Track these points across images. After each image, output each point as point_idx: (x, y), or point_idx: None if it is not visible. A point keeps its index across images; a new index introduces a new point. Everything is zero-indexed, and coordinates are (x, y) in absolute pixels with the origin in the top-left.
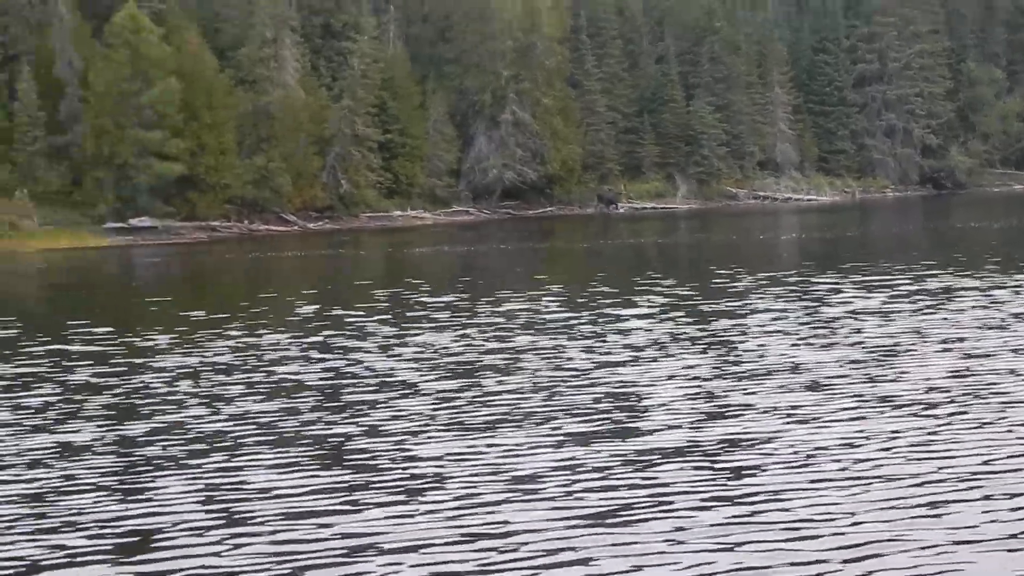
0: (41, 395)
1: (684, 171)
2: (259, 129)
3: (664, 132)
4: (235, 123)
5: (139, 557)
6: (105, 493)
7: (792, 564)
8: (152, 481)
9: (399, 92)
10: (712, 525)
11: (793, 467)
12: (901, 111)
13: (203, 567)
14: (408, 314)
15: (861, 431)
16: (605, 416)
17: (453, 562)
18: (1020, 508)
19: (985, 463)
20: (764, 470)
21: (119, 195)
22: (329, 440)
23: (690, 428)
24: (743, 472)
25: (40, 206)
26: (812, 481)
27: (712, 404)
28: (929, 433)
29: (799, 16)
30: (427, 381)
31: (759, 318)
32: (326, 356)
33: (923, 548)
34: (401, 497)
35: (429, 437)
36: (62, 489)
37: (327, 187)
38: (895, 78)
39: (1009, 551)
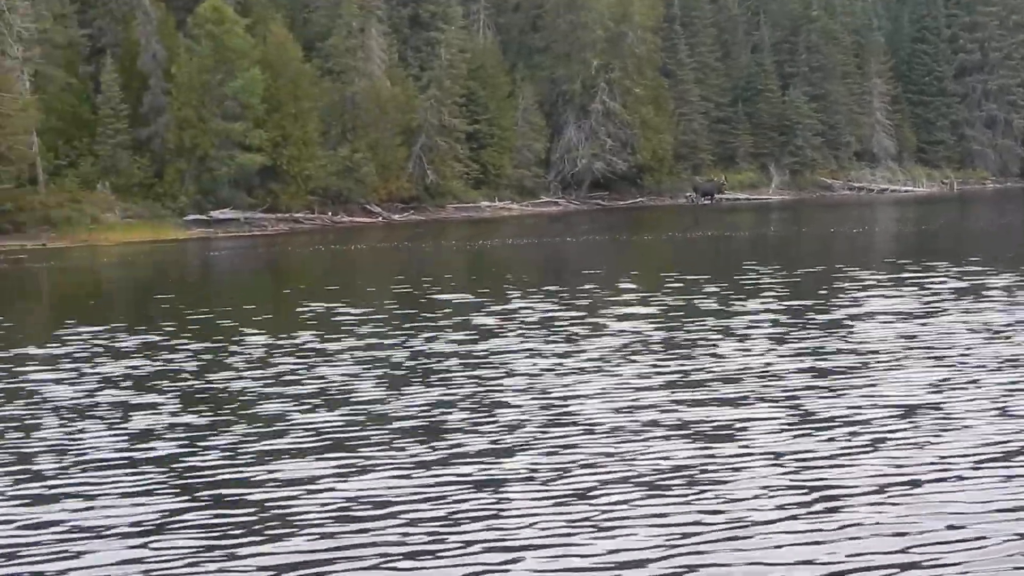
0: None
1: (778, 161)
2: (344, 120)
3: (758, 122)
4: (320, 114)
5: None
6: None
7: None
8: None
9: (488, 82)
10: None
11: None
12: (1002, 101)
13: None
14: (471, 310)
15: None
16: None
17: None
18: None
19: None
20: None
21: (201, 187)
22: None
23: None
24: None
25: (122, 199)
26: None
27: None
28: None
29: (899, 5)
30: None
31: (855, 317)
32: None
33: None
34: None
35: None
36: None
37: (413, 178)
38: (997, 68)
39: None
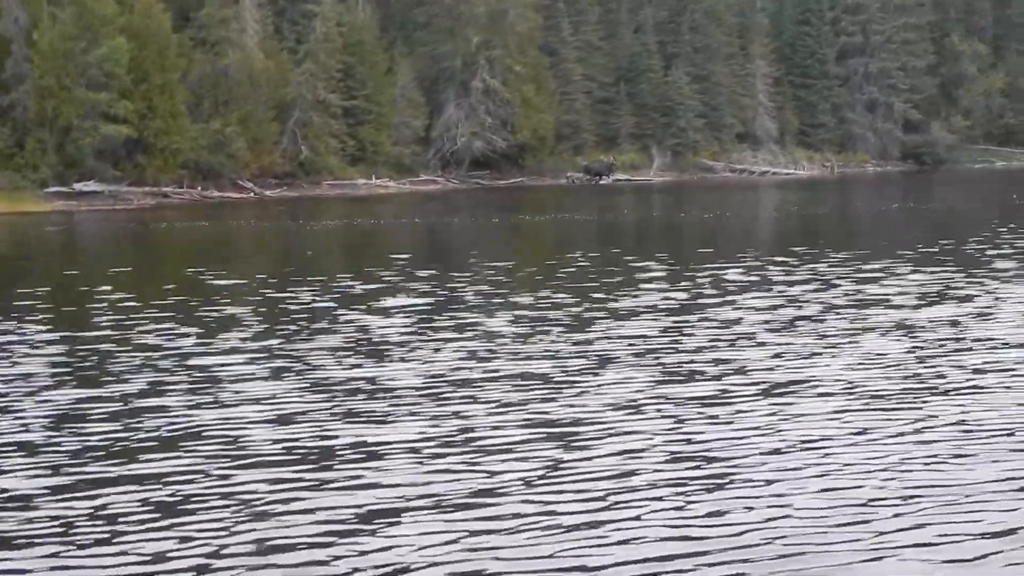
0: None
1: (660, 143)
2: (217, 92)
3: (641, 103)
4: (192, 86)
5: None
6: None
7: None
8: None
9: (366, 57)
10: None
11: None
12: (883, 85)
13: None
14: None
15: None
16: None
17: None
18: None
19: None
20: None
21: (64, 158)
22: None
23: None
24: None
25: None
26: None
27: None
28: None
29: None
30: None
31: (723, 307)
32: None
33: None
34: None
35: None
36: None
37: (287, 153)
38: (878, 51)
39: None
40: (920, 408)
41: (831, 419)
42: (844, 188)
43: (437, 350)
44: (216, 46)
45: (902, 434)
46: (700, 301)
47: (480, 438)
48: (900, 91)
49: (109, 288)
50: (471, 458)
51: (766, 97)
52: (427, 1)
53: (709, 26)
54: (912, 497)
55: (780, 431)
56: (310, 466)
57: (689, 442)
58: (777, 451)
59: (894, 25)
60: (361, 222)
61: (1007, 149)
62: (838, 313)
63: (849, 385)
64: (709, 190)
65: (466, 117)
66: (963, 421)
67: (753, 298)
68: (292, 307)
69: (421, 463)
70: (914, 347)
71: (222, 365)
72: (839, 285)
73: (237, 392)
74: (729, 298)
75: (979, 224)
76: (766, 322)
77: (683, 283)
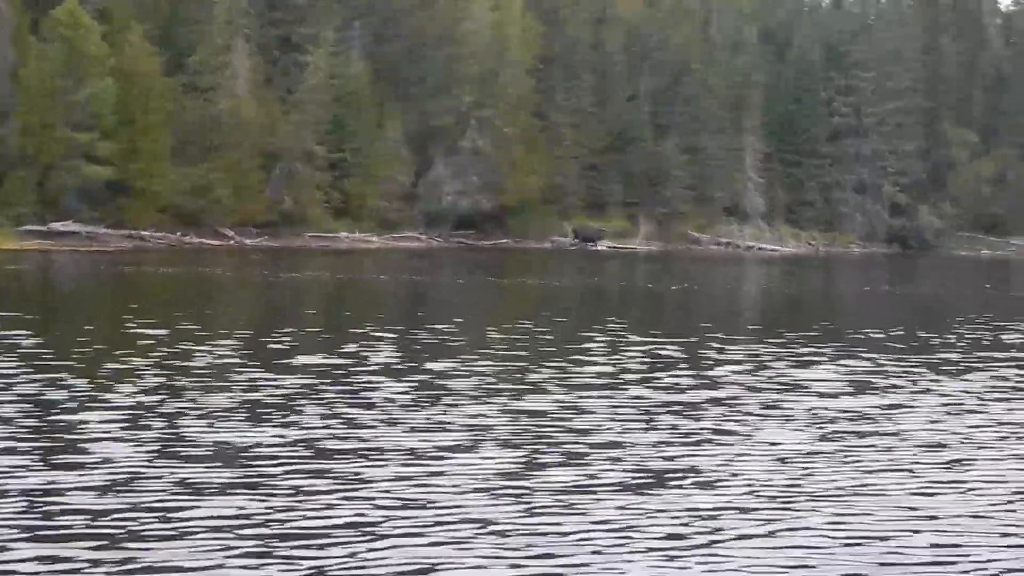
0: None
1: (647, 211)
2: (205, 138)
3: (630, 171)
4: (181, 130)
5: None
6: None
7: None
8: None
9: (357, 110)
10: None
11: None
12: (873, 167)
13: None
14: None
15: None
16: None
17: None
18: None
19: None
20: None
21: (43, 197)
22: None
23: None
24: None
25: None
26: None
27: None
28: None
29: (778, 64)
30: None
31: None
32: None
33: None
34: None
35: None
36: None
37: (270, 202)
38: (870, 133)
39: None
40: (795, 506)
41: (715, 512)
42: (825, 268)
43: (288, 420)
44: (207, 92)
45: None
46: (608, 379)
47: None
48: (889, 174)
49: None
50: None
51: (755, 172)
52: (421, 58)
53: (703, 98)
54: None
55: (655, 526)
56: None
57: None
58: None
59: (886, 108)
60: (333, 277)
61: (992, 238)
62: (749, 398)
63: (736, 476)
64: (692, 262)
65: (453, 176)
66: (836, 521)
67: (669, 377)
68: (192, 364)
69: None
70: (814, 438)
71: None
72: (769, 368)
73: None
74: (643, 376)
75: (942, 312)
76: (667, 404)
77: (614, 356)
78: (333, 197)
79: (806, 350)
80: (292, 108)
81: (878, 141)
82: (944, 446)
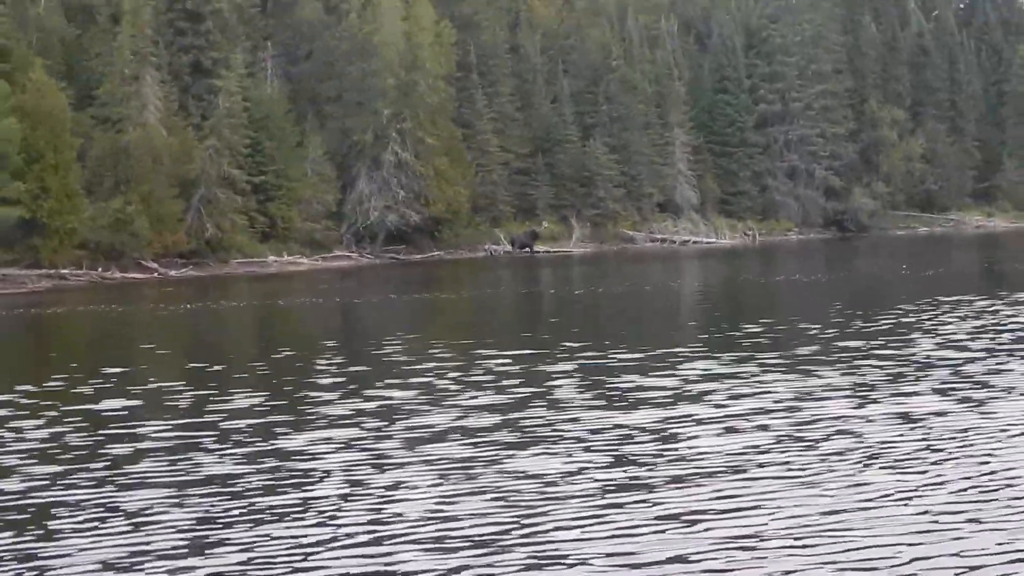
0: None
1: (579, 213)
2: (117, 171)
3: (559, 173)
4: (92, 164)
5: None
6: None
7: None
8: None
9: (275, 132)
10: None
11: None
12: (803, 152)
13: None
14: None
15: None
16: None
17: None
18: None
19: None
20: None
21: None
22: None
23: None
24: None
25: None
26: None
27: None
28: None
29: (699, 55)
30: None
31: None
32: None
33: None
34: None
35: None
36: None
37: (192, 231)
38: (797, 118)
39: None
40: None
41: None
42: (757, 257)
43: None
44: (117, 124)
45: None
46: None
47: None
48: (821, 158)
49: None
50: None
51: (685, 166)
52: (336, 75)
53: (626, 95)
54: None
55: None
56: None
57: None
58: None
59: (812, 92)
60: (258, 303)
61: (928, 215)
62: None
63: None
64: (627, 261)
65: (379, 191)
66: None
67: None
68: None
69: None
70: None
71: None
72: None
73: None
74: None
75: (847, 298)
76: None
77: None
78: (258, 221)
79: (680, 350)
80: (207, 134)
81: (806, 125)
82: None
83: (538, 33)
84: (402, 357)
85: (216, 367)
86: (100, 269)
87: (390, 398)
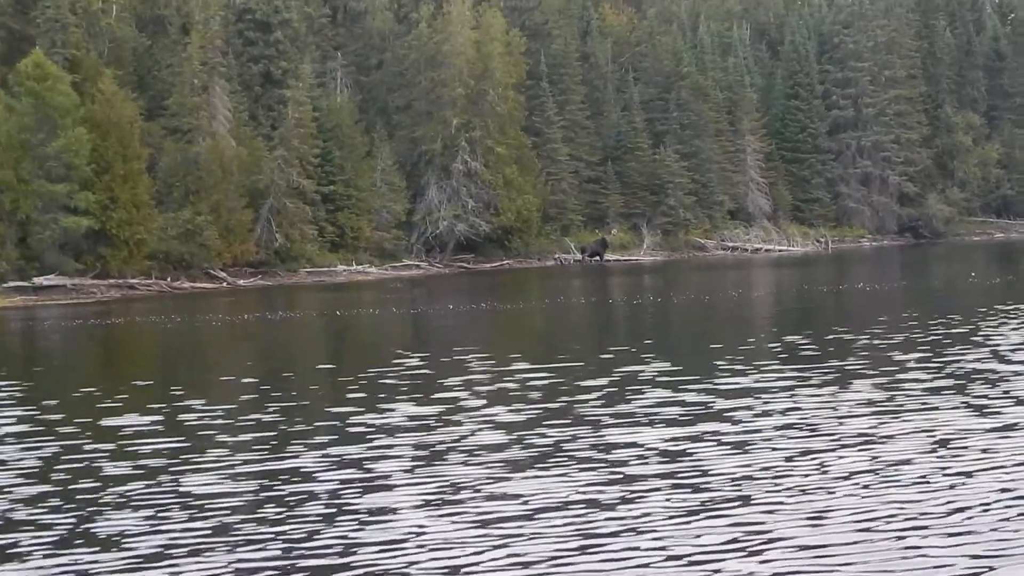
0: None
1: (650, 221)
2: (187, 181)
3: (629, 181)
4: (162, 175)
5: None
6: None
7: None
8: None
9: (344, 142)
10: None
11: None
12: (877, 158)
13: None
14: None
15: None
16: None
17: None
18: None
19: None
20: None
21: (23, 252)
22: None
23: None
24: None
25: None
26: None
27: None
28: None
29: (771, 61)
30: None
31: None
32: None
33: None
34: None
35: None
36: None
37: (261, 241)
38: (870, 124)
39: None
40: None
41: None
42: (829, 265)
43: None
44: (187, 134)
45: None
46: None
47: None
48: (895, 164)
49: None
50: None
51: (757, 173)
52: (406, 84)
53: (697, 102)
54: None
55: None
56: None
57: None
58: None
59: (885, 98)
60: (320, 314)
61: (1005, 220)
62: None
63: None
64: (698, 269)
65: (448, 200)
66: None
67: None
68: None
69: None
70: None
71: None
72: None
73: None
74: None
75: (913, 307)
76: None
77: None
78: (327, 231)
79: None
80: (276, 144)
81: (880, 132)
82: None
83: (609, 41)
84: (471, 368)
85: (273, 379)
86: (169, 279)
87: (458, 409)
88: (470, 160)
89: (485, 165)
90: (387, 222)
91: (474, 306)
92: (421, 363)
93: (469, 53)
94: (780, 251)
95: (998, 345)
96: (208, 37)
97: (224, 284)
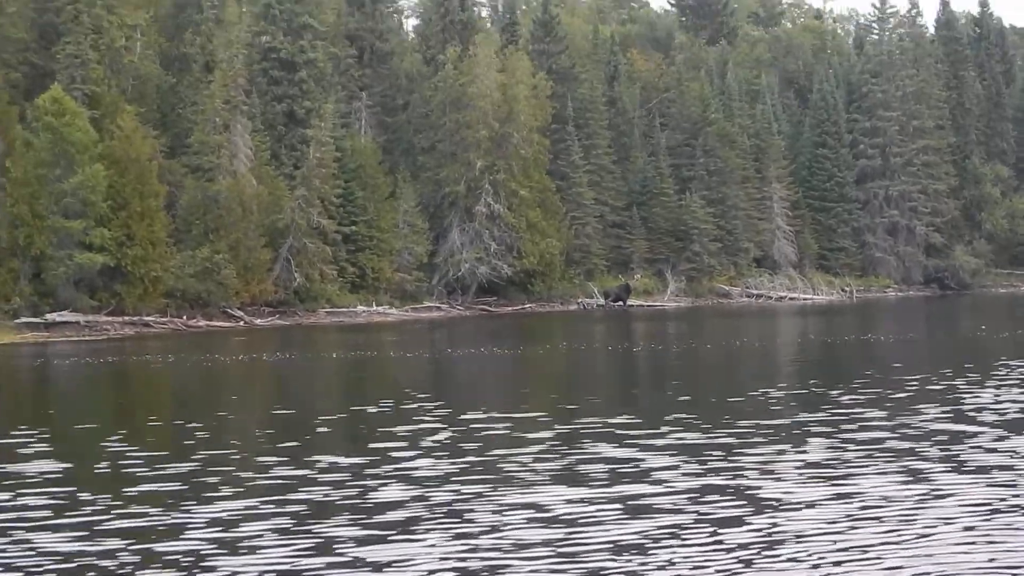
0: None
1: (674, 267)
2: (206, 219)
3: (654, 227)
4: (182, 212)
5: None
6: None
7: None
8: None
9: (367, 182)
10: None
11: None
12: (904, 208)
13: None
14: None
15: None
16: None
17: None
18: None
19: None
20: None
21: (37, 288)
22: None
23: None
24: None
25: None
26: None
27: None
28: None
29: (799, 109)
30: None
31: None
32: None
33: None
34: None
35: None
36: None
37: (280, 280)
38: (898, 174)
39: None
40: None
41: None
42: (853, 314)
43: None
44: (208, 172)
45: None
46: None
47: None
48: (922, 215)
49: None
50: None
51: (783, 221)
52: (431, 126)
53: (724, 149)
54: None
55: None
56: None
57: None
58: None
59: (913, 148)
60: (337, 356)
61: None
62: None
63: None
64: (719, 316)
65: (470, 242)
66: None
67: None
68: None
69: None
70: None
71: None
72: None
73: None
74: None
75: (922, 360)
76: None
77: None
78: (348, 271)
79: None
80: (298, 184)
81: (907, 181)
82: None
83: (636, 86)
84: (491, 414)
85: (284, 423)
86: (184, 317)
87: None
88: (493, 203)
89: (508, 208)
90: (409, 264)
91: (496, 349)
92: (435, 419)
93: (495, 96)
94: (805, 300)
95: (959, 404)
96: (231, 75)
97: (241, 323)
